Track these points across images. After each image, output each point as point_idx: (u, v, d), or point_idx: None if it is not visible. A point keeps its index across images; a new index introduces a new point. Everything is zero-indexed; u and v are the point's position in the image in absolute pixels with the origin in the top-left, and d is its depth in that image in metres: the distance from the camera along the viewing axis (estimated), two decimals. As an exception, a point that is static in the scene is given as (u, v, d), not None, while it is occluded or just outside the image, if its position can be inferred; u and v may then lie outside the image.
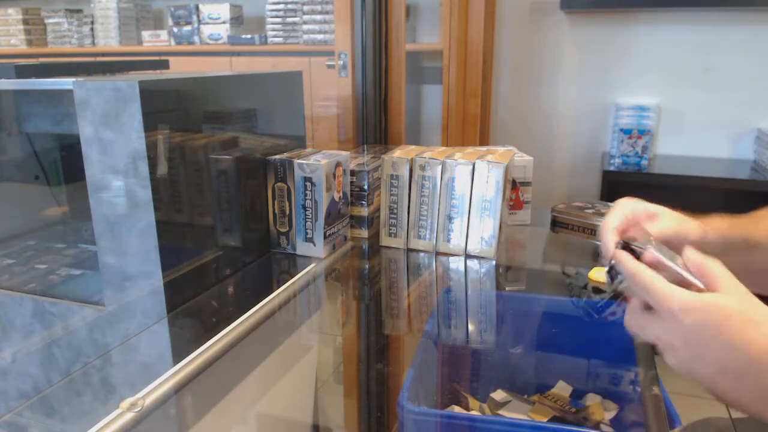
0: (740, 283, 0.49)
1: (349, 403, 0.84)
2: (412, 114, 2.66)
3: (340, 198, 1.14)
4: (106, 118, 0.83)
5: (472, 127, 2.20)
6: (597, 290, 0.97)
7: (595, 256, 1.13)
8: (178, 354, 0.79)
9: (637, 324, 0.53)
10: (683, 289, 0.50)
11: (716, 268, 0.50)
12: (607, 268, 0.58)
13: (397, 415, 0.68)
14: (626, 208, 0.62)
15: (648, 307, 0.53)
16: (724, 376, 0.47)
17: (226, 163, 1.01)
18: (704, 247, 0.58)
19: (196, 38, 3.02)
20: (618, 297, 0.58)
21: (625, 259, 0.55)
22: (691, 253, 0.52)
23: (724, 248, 0.61)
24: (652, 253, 0.55)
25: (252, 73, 1.11)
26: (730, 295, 0.48)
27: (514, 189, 1.28)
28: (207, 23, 2.99)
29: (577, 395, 0.87)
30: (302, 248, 1.12)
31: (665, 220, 0.61)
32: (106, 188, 0.86)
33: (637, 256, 0.56)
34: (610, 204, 1.25)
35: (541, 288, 1.13)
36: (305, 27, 2.74)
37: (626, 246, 0.57)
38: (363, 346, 0.95)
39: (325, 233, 1.09)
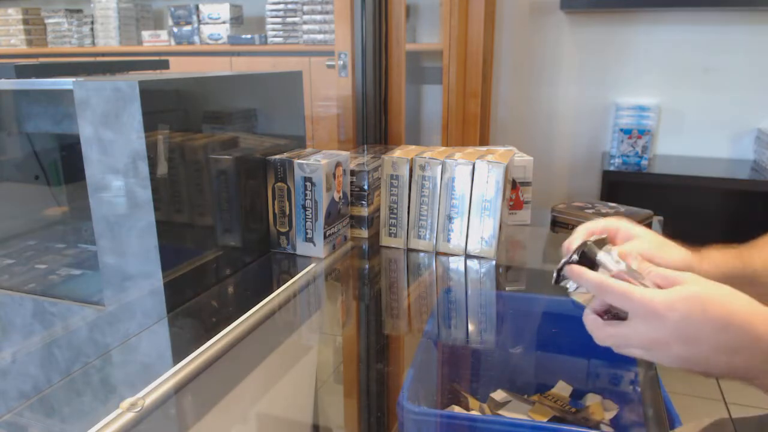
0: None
1: (349, 403, 0.84)
2: (412, 114, 2.66)
3: (340, 198, 1.14)
4: (106, 118, 0.83)
5: (472, 127, 2.20)
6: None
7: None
8: (178, 354, 0.79)
9: (612, 335, 0.53)
10: (656, 288, 0.51)
11: (666, 270, 0.53)
12: (558, 267, 0.58)
13: (397, 415, 0.68)
14: (610, 223, 0.63)
15: (601, 315, 0.54)
16: (719, 353, 0.49)
17: (226, 163, 1.01)
18: None
19: (196, 38, 3.02)
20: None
21: (585, 272, 0.55)
22: (639, 261, 0.54)
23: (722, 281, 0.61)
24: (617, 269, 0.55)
25: (252, 73, 1.11)
26: (697, 283, 0.50)
27: (514, 189, 1.28)
28: (207, 23, 2.99)
29: (577, 395, 0.87)
30: (302, 248, 1.12)
31: (641, 241, 0.61)
32: (106, 188, 0.86)
33: (590, 259, 0.56)
34: (610, 204, 1.25)
35: (541, 288, 1.13)
36: (305, 27, 2.74)
37: (583, 254, 0.57)
38: (363, 346, 0.95)
39: (325, 233, 1.09)
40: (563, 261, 0.58)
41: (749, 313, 0.48)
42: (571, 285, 0.58)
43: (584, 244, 0.57)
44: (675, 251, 0.61)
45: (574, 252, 0.57)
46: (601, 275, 0.54)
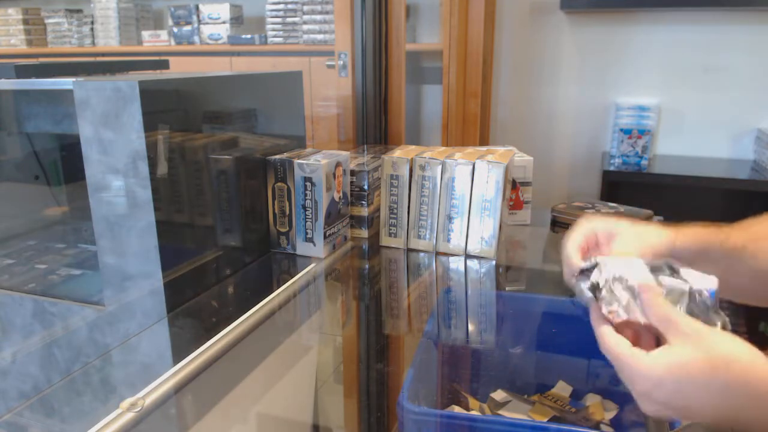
0: (697, 322, 0.48)
1: (349, 403, 0.84)
2: (412, 114, 2.66)
3: (340, 198, 1.14)
4: (106, 118, 0.83)
5: (472, 127, 2.20)
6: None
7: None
8: (178, 354, 0.79)
9: (618, 357, 0.50)
10: (651, 358, 0.47)
11: (673, 314, 0.49)
12: (579, 279, 0.55)
13: (397, 415, 0.68)
14: (587, 228, 0.62)
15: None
16: (717, 414, 0.46)
17: (226, 163, 1.01)
18: (675, 256, 0.58)
19: (196, 38, 3.02)
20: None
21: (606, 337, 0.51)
22: (650, 302, 0.50)
23: (699, 255, 0.59)
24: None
25: (252, 73, 1.11)
26: (700, 344, 0.46)
27: (514, 189, 1.28)
28: (207, 23, 2.99)
29: (577, 395, 0.87)
30: (302, 248, 1.12)
31: (624, 239, 0.59)
32: (106, 188, 0.86)
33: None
34: (610, 204, 1.25)
35: (541, 288, 1.13)
36: (305, 27, 2.74)
37: (585, 271, 0.55)
38: (363, 346, 0.95)
39: (325, 233, 1.09)
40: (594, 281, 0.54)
41: (752, 373, 0.45)
42: (586, 291, 0.55)
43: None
44: (654, 236, 0.60)
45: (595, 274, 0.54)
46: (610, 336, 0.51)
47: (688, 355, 0.46)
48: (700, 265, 0.57)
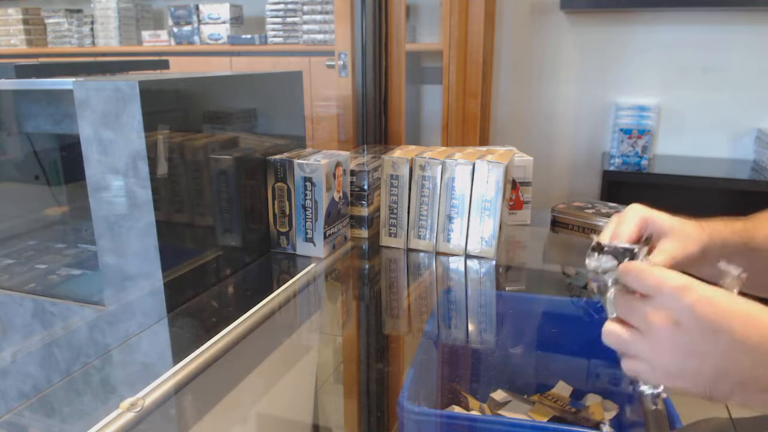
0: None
1: (349, 403, 0.84)
2: (412, 114, 2.66)
3: (340, 198, 1.14)
4: (106, 118, 0.83)
5: (472, 127, 2.20)
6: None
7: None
8: (178, 354, 0.79)
9: (628, 310, 0.52)
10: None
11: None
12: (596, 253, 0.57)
13: (397, 415, 0.68)
14: (640, 218, 0.60)
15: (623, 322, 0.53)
16: (743, 351, 0.44)
17: (226, 163, 1.01)
18: (705, 256, 0.59)
19: (196, 38, 3.02)
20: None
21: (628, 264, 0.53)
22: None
23: (723, 254, 0.60)
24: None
25: (252, 73, 1.11)
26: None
27: (514, 189, 1.28)
28: (207, 23, 2.99)
29: (577, 395, 0.87)
30: (302, 248, 1.12)
31: (671, 243, 0.58)
32: (106, 188, 0.86)
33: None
34: (610, 204, 1.25)
35: (541, 288, 1.13)
36: (305, 27, 2.74)
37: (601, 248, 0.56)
38: (363, 346, 0.95)
39: (325, 233, 1.09)
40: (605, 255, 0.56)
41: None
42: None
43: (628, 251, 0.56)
44: (695, 243, 0.60)
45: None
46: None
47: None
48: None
